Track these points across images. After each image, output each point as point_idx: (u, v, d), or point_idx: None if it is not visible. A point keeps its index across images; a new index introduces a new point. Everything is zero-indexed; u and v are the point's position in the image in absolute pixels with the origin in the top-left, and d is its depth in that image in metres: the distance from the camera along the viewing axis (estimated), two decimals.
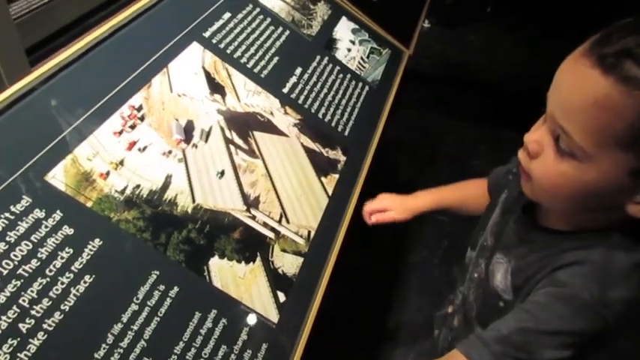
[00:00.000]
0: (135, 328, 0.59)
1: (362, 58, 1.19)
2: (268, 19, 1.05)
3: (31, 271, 0.55)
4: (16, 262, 0.55)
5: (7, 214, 0.57)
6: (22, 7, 1.14)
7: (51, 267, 0.57)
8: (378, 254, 1.50)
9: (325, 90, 1.04)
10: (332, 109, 1.03)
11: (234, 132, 0.85)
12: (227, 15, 0.99)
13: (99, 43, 0.79)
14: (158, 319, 0.61)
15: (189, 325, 0.63)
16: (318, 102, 1.01)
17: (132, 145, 0.72)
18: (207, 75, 0.88)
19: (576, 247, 0.60)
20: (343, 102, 1.06)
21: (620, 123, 0.51)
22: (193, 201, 0.73)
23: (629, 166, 0.53)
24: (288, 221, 0.81)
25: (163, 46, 0.85)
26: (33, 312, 0.53)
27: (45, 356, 0.52)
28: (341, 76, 1.10)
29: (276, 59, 1.00)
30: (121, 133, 0.72)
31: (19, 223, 0.57)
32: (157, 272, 0.64)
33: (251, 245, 0.74)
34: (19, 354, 0.51)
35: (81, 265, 0.59)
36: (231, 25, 0.98)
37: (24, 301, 0.54)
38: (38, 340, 0.53)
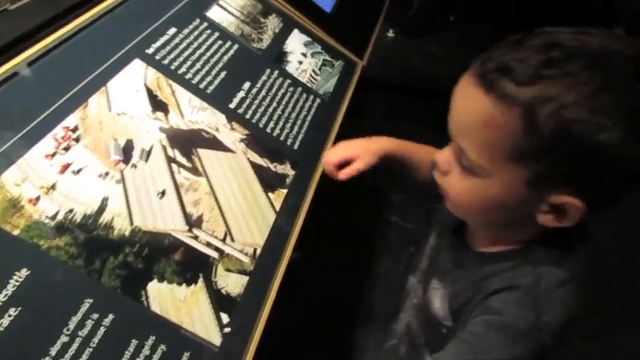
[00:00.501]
0: None
1: (314, 71, 1.19)
2: (216, 34, 1.04)
3: None
4: None
5: None
6: None
7: None
8: (338, 265, 1.49)
9: (275, 104, 1.04)
10: (281, 123, 1.02)
11: (176, 150, 0.83)
12: (172, 30, 0.97)
13: (33, 61, 0.77)
14: (90, 349, 0.59)
15: (124, 354, 0.61)
16: (267, 116, 1.00)
17: (65, 167, 0.70)
18: (150, 92, 0.86)
19: (504, 269, 0.61)
20: (293, 115, 1.05)
21: (507, 139, 0.52)
22: (131, 223, 0.71)
23: (524, 179, 0.54)
24: (232, 239, 0.79)
25: (102, 63, 0.83)
26: None
27: None
28: (291, 89, 1.09)
29: (223, 74, 0.99)
30: (53, 155, 0.70)
31: None
32: (90, 300, 0.62)
33: (193, 266, 0.73)
34: None
35: (5, 298, 0.56)
36: (177, 40, 0.97)
37: None
38: None
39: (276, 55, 1.14)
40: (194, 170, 0.83)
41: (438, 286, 0.70)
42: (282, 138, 1.00)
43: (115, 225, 0.69)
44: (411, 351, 0.77)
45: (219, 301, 0.72)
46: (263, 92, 1.03)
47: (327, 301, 1.37)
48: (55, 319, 0.59)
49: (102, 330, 0.61)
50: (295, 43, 1.21)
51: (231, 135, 0.92)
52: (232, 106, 0.96)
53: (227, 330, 0.70)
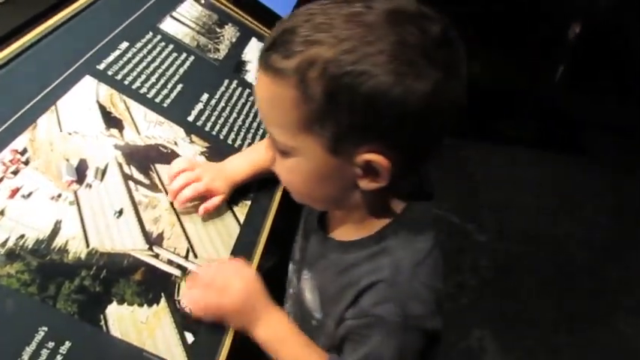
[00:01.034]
0: None
1: None
2: (171, 46, 1.02)
3: None
4: None
5: None
6: None
7: None
8: None
9: (235, 114, 1.02)
10: (242, 134, 1.00)
11: (133, 167, 0.81)
12: (124, 45, 0.95)
13: None
14: None
15: None
16: (227, 127, 0.99)
17: (15, 192, 0.68)
18: (103, 109, 0.84)
19: (363, 258, 0.64)
20: (254, 125, 1.04)
21: (293, 112, 0.56)
22: (87, 246, 0.69)
23: (324, 145, 0.57)
24: (195, 255, 0.77)
25: (51, 82, 0.81)
26: None
27: None
28: (252, 98, 1.08)
29: (180, 87, 0.97)
30: (1, 180, 0.67)
31: None
32: (45, 328, 0.59)
33: (154, 286, 0.71)
34: None
35: None
36: (130, 54, 0.95)
37: None
38: None
39: (235, 65, 1.12)
40: (153, 186, 0.81)
41: (308, 276, 0.72)
42: (243, 149, 0.98)
43: (70, 248, 0.67)
44: None
45: (183, 320, 0.70)
46: (222, 103, 1.02)
47: None
48: (7, 351, 0.56)
49: (59, 358, 0.58)
50: (253, 51, 1.19)
51: (191, 148, 0.90)
52: (191, 118, 0.94)
53: (193, 350, 0.68)
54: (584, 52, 2.93)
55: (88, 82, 0.85)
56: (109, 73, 0.89)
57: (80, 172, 0.75)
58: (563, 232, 2.35)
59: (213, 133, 0.96)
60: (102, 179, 0.76)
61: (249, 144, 1.00)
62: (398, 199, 0.65)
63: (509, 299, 2.07)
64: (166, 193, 0.81)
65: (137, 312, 0.67)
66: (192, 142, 0.92)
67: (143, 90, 0.92)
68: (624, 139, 2.86)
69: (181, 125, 0.92)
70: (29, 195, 0.68)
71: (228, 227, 0.84)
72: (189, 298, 0.70)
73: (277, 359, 0.69)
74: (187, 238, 0.79)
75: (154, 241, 0.75)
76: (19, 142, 0.72)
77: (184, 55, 1.03)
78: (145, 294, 0.69)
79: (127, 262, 0.71)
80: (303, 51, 0.53)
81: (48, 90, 0.79)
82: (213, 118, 0.98)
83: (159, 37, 1.02)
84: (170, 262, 0.74)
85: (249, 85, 1.10)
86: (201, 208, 0.80)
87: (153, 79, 0.94)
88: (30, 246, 0.64)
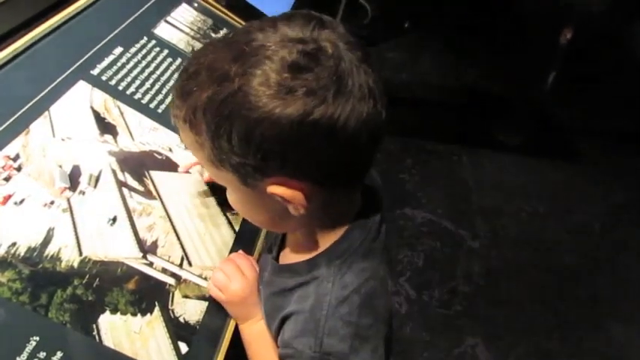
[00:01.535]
0: None
1: None
2: (165, 51, 1.02)
3: None
4: None
5: None
6: None
7: None
8: None
9: None
10: None
11: (127, 173, 0.80)
12: (119, 50, 0.94)
13: None
14: None
15: None
16: None
17: (7, 199, 0.66)
18: (96, 115, 0.83)
19: (293, 286, 0.65)
20: None
21: (201, 153, 0.59)
22: (80, 254, 0.68)
23: (236, 179, 0.58)
24: (190, 264, 0.77)
25: (44, 87, 0.80)
26: None
27: None
28: None
29: None
30: None
31: None
32: (37, 338, 0.58)
33: (148, 295, 0.70)
34: None
35: None
36: (124, 60, 0.94)
37: None
38: None
39: None
40: (147, 193, 0.80)
41: (260, 288, 0.74)
42: None
43: (63, 256, 0.66)
44: None
45: (177, 329, 0.69)
46: None
47: None
48: None
49: None
50: None
51: (186, 154, 0.90)
52: None
53: None
54: (575, 58, 2.95)
55: (81, 88, 0.84)
56: (103, 78, 0.88)
57: (73, 178, 0.74)
58: (555, 238, 2.36)
59: None
60: (95, 186, 0.75)
61: None
62: (338, 225, 0.64)
63: (502, 306, 2.07)
64: (161, 201, 0.80)
65: (130, 321, 0.66)
66: (186, 148, 0.91)
67: (138, 95, 0.91)
68: (615, 146, 2.88)
69: (176, 131, 0.91)
70: (21, 202, 0.67)
71: (223, 236, 0.84)
72: (216, 271, 0.76)
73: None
74: (182, 246, 0.78)
75: (147, 249, 0.74)
76: (11, 148, 0.71)
77: (179, 60, 1.03)
78: (139, 303, 0.68)
79: (120, 271, 0.70)
80: (188, 98, 0.56)
81: (41, 95, 0.78)
82: None
83: (153, 42, 1.01)
84: (164, 271, 0.74)
85: None
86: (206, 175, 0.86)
87: (147, 85, 0.93)
88: (22, 254, 0.63)
